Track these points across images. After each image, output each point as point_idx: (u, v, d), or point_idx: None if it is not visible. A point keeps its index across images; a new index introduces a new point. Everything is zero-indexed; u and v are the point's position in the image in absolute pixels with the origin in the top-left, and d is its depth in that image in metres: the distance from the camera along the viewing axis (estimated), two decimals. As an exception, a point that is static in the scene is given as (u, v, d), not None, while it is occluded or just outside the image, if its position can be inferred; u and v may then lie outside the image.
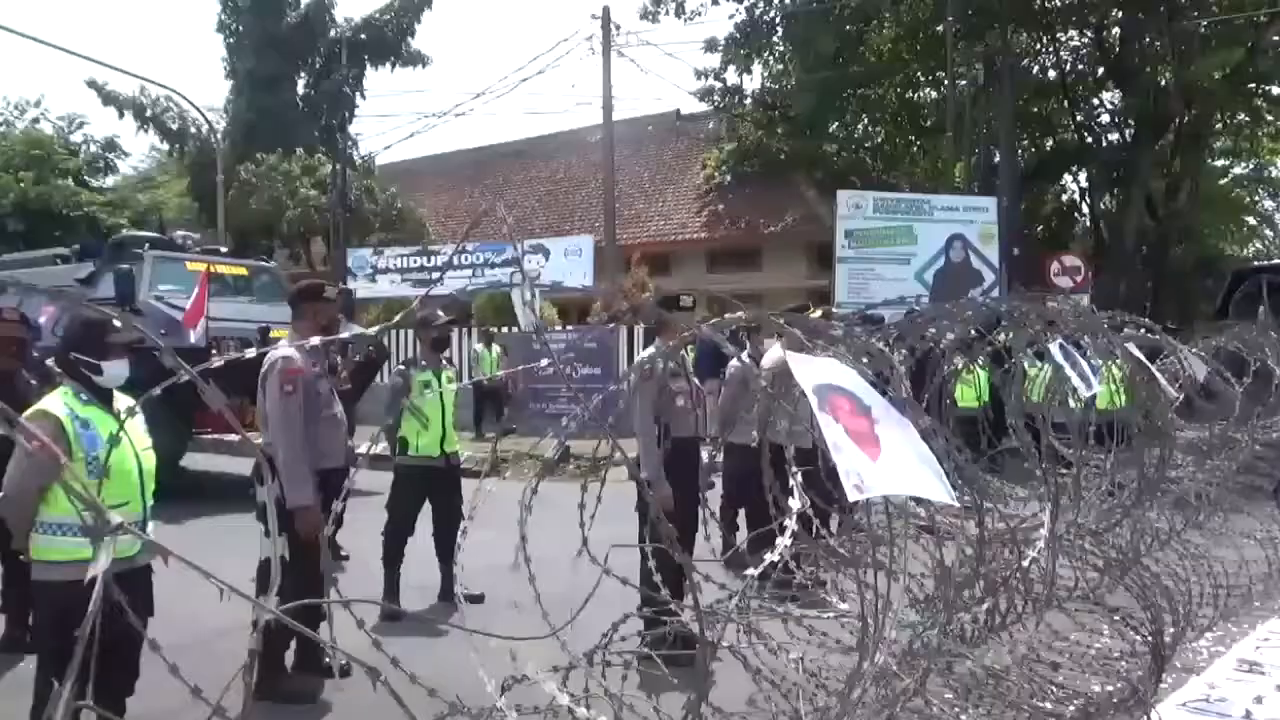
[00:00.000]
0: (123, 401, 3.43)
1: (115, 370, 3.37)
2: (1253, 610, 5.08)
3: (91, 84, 27.91)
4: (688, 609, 3.01)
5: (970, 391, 8.17)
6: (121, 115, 28.59)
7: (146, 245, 10.98)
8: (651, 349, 5.30)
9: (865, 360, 2.61)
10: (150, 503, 3.45)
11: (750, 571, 1.82)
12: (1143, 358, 4.28)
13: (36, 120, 30.44)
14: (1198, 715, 3.82)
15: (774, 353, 5.60)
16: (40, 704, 3.26)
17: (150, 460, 3.44)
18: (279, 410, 4.32)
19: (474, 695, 2.30)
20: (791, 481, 1.94)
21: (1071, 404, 4.35)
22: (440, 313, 6.39)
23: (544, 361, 11.70)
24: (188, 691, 1.51)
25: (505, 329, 16.93)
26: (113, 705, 3.30)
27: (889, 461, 1.72)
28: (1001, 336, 4.10)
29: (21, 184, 25.89)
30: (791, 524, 1.76)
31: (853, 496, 1.62)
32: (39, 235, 21.57)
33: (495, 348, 15.62)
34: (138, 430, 3.42)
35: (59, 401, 3.30)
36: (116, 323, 3.37)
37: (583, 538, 2.62)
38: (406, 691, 1.62)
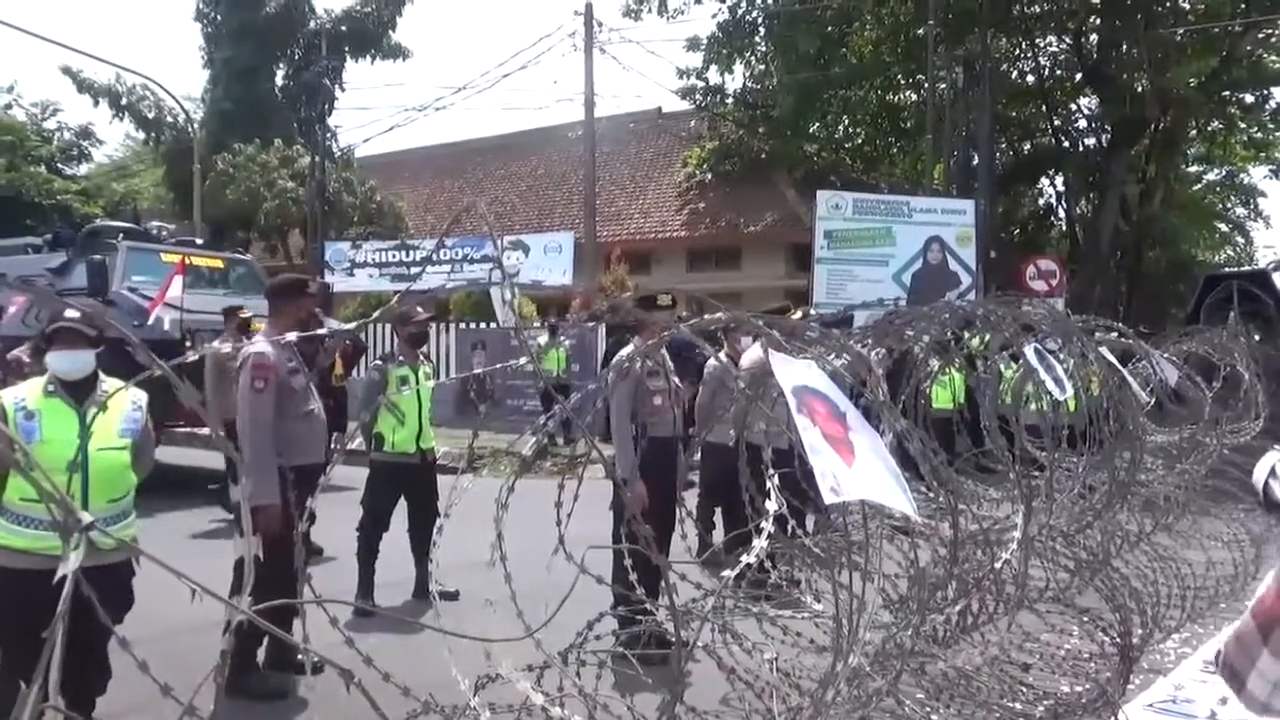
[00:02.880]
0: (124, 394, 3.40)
1: (59, 362, 3.30)
2: (1219, 612, 5.16)
3: (66, 71, 27.54)
4: (663, 609, 3.02)
5: (945, 393, 8.25)
6: (96, 103, 28.22)
7: (120, 235, 10.84)
8: (630, 348, 5.29)
9: (844, 360, 2.63)
10: (107, 501, 3.36)
11: (726, 573, 1.83)
12: (1115, 361, 4.33)
13: (9, 106, 30.02)
14: (1164, 716, 3.87)
15: (753, 353, 5.62)
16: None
17: (109, 460, 3.34)
18: (247, 405, 4.30)
19: (448, 694, 2.29)
20: (768, 483, 1.95)
21: (1032, 408, 4.39)
22: (419, 309, 6.36)
23: (523, 360, 11.66)
24: (154, 688, 1.49)
25: (484, 325, 16.87)
26: (83, 703, 3.27)
27: (863, 468, 1.74)
28: (975, 341, 4.14)
29: (-7, 171, 25.54)
30: (768, 525, 1.77)
31: (829, 499, 1.63)
32: (10, 223, 21.23)
33: (566, 341, 13.68)
34: (109, 429, 3.35)
35: (19, 390, 3.30)
36: (71, 312, 3.32)
37: (559, 536, 2.62)
38: (380, 690, 1.61)
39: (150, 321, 9.32)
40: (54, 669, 0.96)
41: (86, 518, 0.91)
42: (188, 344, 9.14)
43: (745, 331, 5.87)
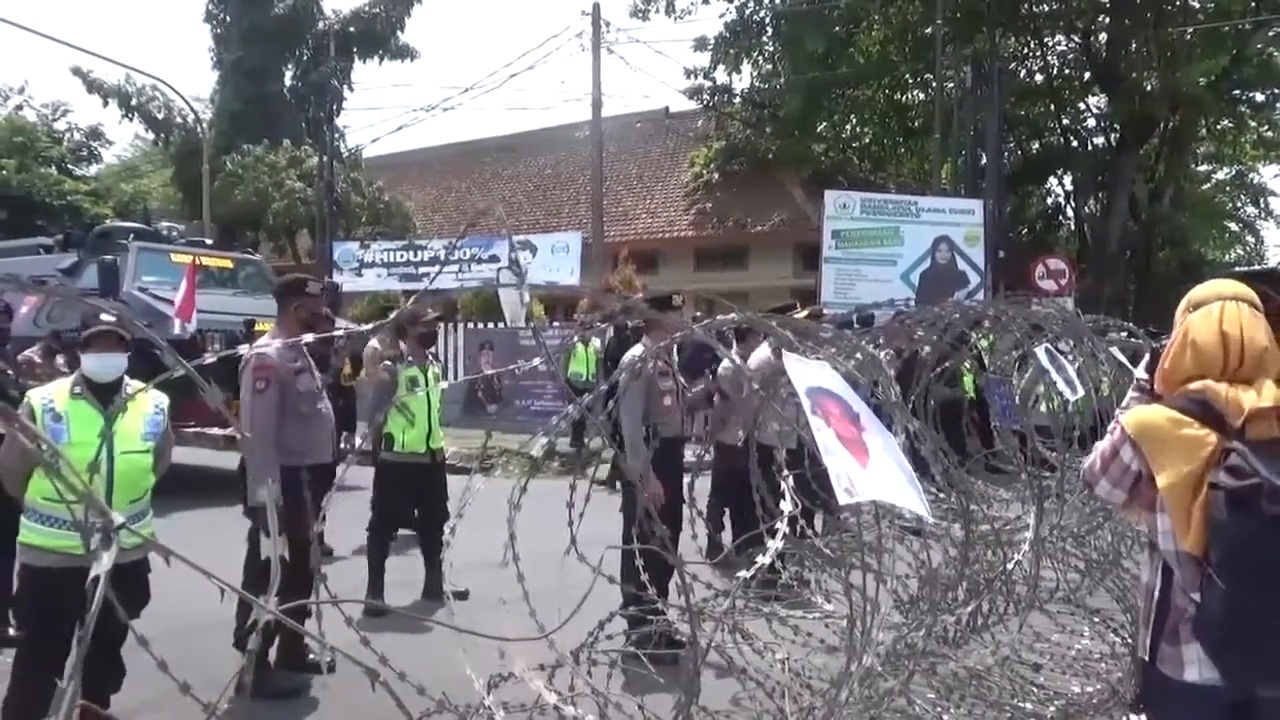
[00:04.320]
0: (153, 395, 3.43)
1: (93, 364, 3.34)
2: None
3: (76, 71, 27.70)
4: (674, 609, 3.03)
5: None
6: (106, 104, 28.39)
7: (131, 236, 10.88)
8: (639, 347, 5.30)
9: (856, 361, 2.63)
10: (129, 502, 3.37)
11: (741, 574, 1.84)
12: (1126, 361, 4.32)
13: (20, 107, 30.27)
14: (1175, 716, 3.85)
15: (760, 353, 5.63)
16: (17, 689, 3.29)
17: (133, 462, 3.36)
18: (249, 407, 4.32)
19: (461, 692, 2.31)
20: (782, 484, 1.96)
21: (1044, 409, 4.38)
22: (429, 309, 6.37)
23: (536, 360, 11.65)
24: (167, 685, 1.51)
25: (492, 324, 16.89)
26: (98, 700, 3.30)
27: (876, 469, 1.74)
28: (984, 342, 4.13)
29: (4, 171, 25.69)
30: (782, 527, 1.78)
31: (843, 500, 1.64)
32: (21, 223, 21.35)
33: (595, 341, 12.16)
34: (133, 432, 3.37)
35: (46, 391, 3.34)
36: (107, 316, 3.35)
37: (571, 536, 2.63)
38: (394, 688, 1.62)
39: (188, 328, 9.35)
40: (78, 668, 0.97)
41: (118, 518, 0.93)
42: (198, 344, 9.17)
43: (757, 332, 5.87)
